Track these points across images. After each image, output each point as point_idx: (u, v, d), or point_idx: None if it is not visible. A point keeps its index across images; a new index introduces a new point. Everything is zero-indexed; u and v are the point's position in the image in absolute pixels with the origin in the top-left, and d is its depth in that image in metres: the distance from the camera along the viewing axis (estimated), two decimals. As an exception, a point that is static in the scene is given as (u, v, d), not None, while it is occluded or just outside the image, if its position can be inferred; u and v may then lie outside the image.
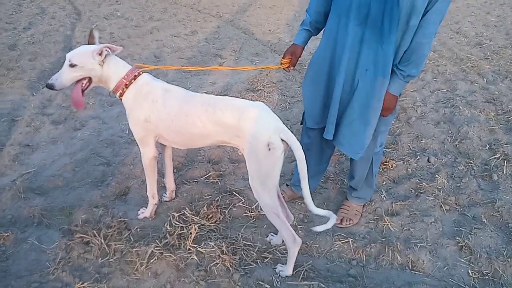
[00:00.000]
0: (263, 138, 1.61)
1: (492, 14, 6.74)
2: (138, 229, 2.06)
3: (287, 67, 2.01)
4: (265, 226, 2.12)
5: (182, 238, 1.96)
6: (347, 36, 1.71)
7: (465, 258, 1.94)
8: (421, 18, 1.62)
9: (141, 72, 1.87)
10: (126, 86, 1.83)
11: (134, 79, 1.84)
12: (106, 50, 1.77)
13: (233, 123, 1.69)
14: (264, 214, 2.15)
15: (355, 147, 1.91)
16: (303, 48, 1.99)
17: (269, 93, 3.81)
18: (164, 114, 1.81)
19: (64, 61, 1.76)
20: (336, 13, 1.76)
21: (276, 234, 2.04)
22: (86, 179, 2.45)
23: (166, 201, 2.29)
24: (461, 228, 2.12)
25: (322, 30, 1.96)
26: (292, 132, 1.67)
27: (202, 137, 1.81)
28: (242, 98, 3.70)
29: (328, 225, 1.65)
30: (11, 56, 4.52)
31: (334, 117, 1.88)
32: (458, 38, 5.43)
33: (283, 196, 2.18)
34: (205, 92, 3.72)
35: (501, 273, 1.86)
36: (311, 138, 2.10)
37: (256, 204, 2.25)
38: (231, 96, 3.66)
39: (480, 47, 5.03)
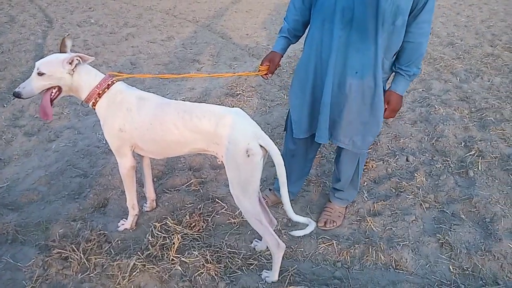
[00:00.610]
0: (242, 145, 1.59)
1: (461, 14, 6.98)
2: (119, 242, 2.00)
3: (265, 74, 2.01)
4: (249, 232, 2.11)
5: (165, 248, 1.92)
6: (333, 40, 1.72)
7: (446, 255, 1.98)
8: (415, 19, 1.67)
9: (115, 81, 1.83)
10: (99, 95, 1.79)
11: (108, 88, 1.79)
12: (77, 59, 1.72)
13: (210, 130, 1.67)
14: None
15: (360, 143, 1.93)
16: (282, 56, 2.00)
17: (249, 97, 3.81)
18: (139, 123, 1.77)
19: (33, 71, 1.73)
20: (318, 19, 1.77)
21: (261, 240, 2.02)
22: (63, 192, 2.37)
23: (147, 211, 2.24)
24: (441, 225, 2.16)
25: (303, 37, 1.97)
26: (273, 136, 1.67)
27: (179, 145, 1.78)
28: (221, 103, 3.71)
29: (307, 231, 1.65)
30: (-21, 66, 4.36)
31: (326, 122, 1.89)
32: (431, 38, 5.58)
33: (266, 201, 2.17)
34: (183, 98, 3.69)
35: (480, 267, 1.90)
36: (296, 144, 2.11)
37: (239, 210, 2.23)
38: (211, 102, 3.64)
39: (452, 47, 5.19)
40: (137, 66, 4.64)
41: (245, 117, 1.69)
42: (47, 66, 1.72)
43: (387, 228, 2.16)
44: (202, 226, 2.11)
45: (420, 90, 3.94)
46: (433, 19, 6.77)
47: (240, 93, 3.87)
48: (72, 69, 1.74)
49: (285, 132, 2.21)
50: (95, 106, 1.81)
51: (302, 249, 2.02)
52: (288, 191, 1.66)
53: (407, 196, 2.39)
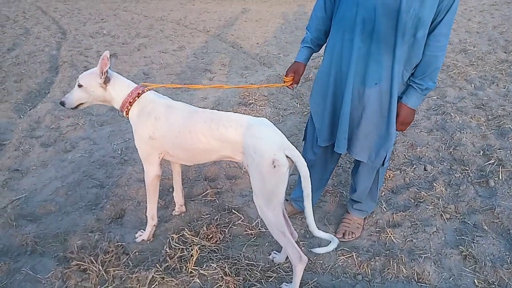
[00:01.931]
0: (268, 155, 1.57)
1: (473, 20, 6.92)
2: (137, 253, 1.99)
3: (290, 85, 2.02)
4: (266, 244, 2.08)
5: (183, 260, 1.90)
6: (353, 51, 1.72)
7: (470, 268, 1.93)
8: (432, 31, 1.64)
9: (145, 90, 1.88)
10: (130, 104, 1.85)
11: (138, 96, 1.85)
12: (105, 71, 1.80)
13: (236, 139, 1.67)
14: (265, 232, 2.12)
15: (374, 157, 1.92)
16: (305, 65, 2.01)
17: (261, 106, 3.81)
18: (168, 131, 1.79)
19: (75, 85, 1.89)
20: (339, 29, 1.77)
21: (279, 252, 2.00)
22: (80, 203, 2.37)
23: (176, 215, 2.29)
24: (463, 237, 2.11)
25: (324, 47, 1.97)
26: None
27: (207, 153, 1.79)
28: (234, 112, 3.71)
29: (330, 248, 1.61)
30: (-4, 78, 4.44)
31: (346, 133, 1.87)
32: (442, 45, 5.54)
33: (287, 211, 2.15)
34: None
35: (506, 281, 1.84)
36: (316, 155, 2.09)
37: (257, 221, 2.21)
38: (224, 111, 3.64)
39: (465, 54, 5.14)
40: (150, 76, 4.68)
41: (271, 127, 1.68)
42: (85, 79, 1.85)
43: (408, 239, 2.12)
44: (219, 238, 2.10)
45: (435, 97, 3.89)
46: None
47: (252, 102, 3.87)
48: (104, 83, 1.83)
49: (303, 142, 2.19)
50: (127, 114, 1.88)
51: (321, 262, 1.99)
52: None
53: (427, 207, 2.35)
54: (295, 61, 2.00)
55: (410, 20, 1.58)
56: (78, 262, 1.87)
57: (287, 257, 1.94)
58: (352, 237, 2.14)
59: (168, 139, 1.80)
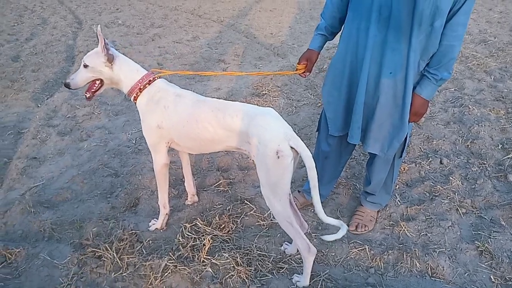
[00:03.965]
0: (272, 146, 1.56)
1: (494, 10, 6.71)
2: (150, 241, 2.02)
3: (303, 73, 2.00)
4: (278, 235, 2.08)
5: (195, 249, 1.92)
6: (368, 39, 1.68)
7: (486, 263, 1.89)
8: (449, 20, 1.59)
9: (156, 78, 1.86)
10: (140, 90, 1.84)
11: (149, 84, 1.84)
12: (105, 47, 1.80)
13: (242, 129, 1.67)
14: (277, 223, 2.12)
15: (386, 149, 1.89)
16: (319, 53, 1.98)
17: (275, 97, 3.78)
18: (176, 120, 1.80)
19: (80, 65, 1.87)
20: (355, 16, 1.73)
21: (291, 243, 2.00)
22: (95, 191, 2.41)
23: (188, 204, 2.30)
24: (479, 232, 2.07)
25: (338, 35, 1.93)
26: (300, 136, 1.64)
27: (214, 142, 1.79)
28: (247, 103, 3.70)
29: (339, 235, 1.60)
30: (15, 67, 4.52)
31: (359, 122, 1.85)
32: (462, 36, 5.39)
33: (295, 203, 2.14)
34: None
35: (524, 277, 1.81)
36: (330, 145, 2.07)
37: (269, 212, 2.21)
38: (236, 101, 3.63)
39: (485, 44, 4.99)
40: (164, 66, 4.70)
41: (277, 118, 1.67)
42: (89, 59, 1.83)
43: (422, 233, 2.09)
44: (232, 228, 2.11)
45: (452, 89, 3.80)
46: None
47: (266, 93, 3.85)
48: (109, 61, 1.81)
49: (317, 132, 2.17)
50: (136, 100, 1.87)
51: (334, 254, 1.98)
52: (319, 194, 1.62)
53: (442, 201, 2.31)
54: (308, 49, 1.97)
55: (428, 8, 1.54)
56: (94, 249, 1.91)
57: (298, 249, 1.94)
58: (365, 230, 2.13)
59: (176, 128, 1.81)
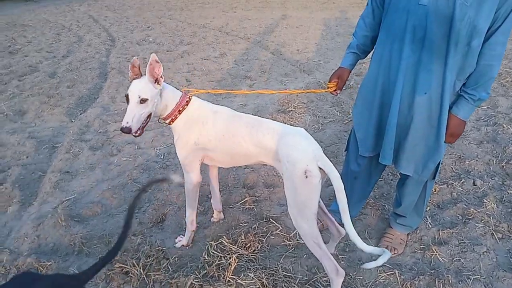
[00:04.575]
0: (300, 165, 1.57)
1: (529, 25, 6.47)
2: (176, 258, 2.04)
3: (334, 91, 2.00)
4: (305, 256, 2.05)
5: (221, 268, 1.92)
6: (401, 60, 1.66)
7: (525, 293, 1.79)
8: (488, 39, 1.55)
9: (191, 97, 1.90)
10: (179, 112, 1.84)
11: (187, 104, 1.86)
12: (160, 76, 1.72)
13: (272, 147, 1.70)
14: (303, 243, 2.09)
15: (421, 170, 1.85)
16: (350, 71, 1.98)
17: (301, 114, 3.78)
18: (213, 135, 1.83)
19: (128, 100, 1.68)
20: (388, 37, 1.72)
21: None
22: (124, 206, 2.47)
23: (214, 222, 2.31)
24: (517, 259, 1.96)
25: (370, 54, 1.93)
26: (327, 154, 1.62)
27: (246, 157, 1.84)
28: (273, 120, 3.71)
29: (380, 262, 1.54)
30: (51, 83, 4.75)
31: (392, 143, 1.82)
32: (495, 51, 5.22)
33: (321, 224, 2.11)
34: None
35: None
36: (360, 166, 2.04)
37: (295, 232, 2.19)
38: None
39: (520, 60, 4.81)
40: (192, 82, 4.81)
41: (307, 138, 1.68)
42: (146, 91, 1.68)
43: (455, 259, 2.00)
44: (257, 247, 2.09)
45: (485, 107, 3.67)
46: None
47: (292, 110, 3.85)
48: (160, 88, 1.74)
49: (346, 152, 2.15)
50: (172, 122, 1.86)
51: (362, 278, 1.92)
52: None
53: (476, 224, 2.21)
54: (339, 67, 1.97)
55: (465, 28, 1.50)
56: (121, 265, 1.94)
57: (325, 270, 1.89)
58: (395, 253, 2.06)
59: (213, 143, 1.84)
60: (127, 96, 1.70)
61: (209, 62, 5.61)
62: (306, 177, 1.56)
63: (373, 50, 1.89)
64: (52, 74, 5.15)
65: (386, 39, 1.73)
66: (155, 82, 1.72)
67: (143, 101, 1.67)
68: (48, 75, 5.08)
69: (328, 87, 2.00)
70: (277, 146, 1.67)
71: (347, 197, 1.55)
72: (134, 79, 1.73)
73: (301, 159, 1.58)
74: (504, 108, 3.62)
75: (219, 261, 1.95)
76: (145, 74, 1.71)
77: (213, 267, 1.91)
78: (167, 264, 1.98)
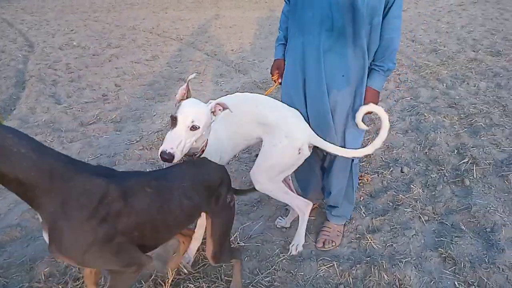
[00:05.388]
0: (297, 143, 1.79)
1: (442, 21, 7.10)
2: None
3: (277, 80, 2.06)
4: (246, 258, 2.01)
5: (158, 283, 1.82)
6: (314, 50, 1.76)
7: (449, 270, 1.92)
8: (385, 16, 1.72)
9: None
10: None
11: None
12: (219, 109, 1.56)
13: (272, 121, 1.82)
14: (245, 246, 2.07)
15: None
16: (285, 60, 2.03)
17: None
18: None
19: (176, 123, 1.45)
20: (298, 30, 1.81)
21: (281, 217, 2.28)
22: (48, 226, 2.24)
23: None
24: (442, 238, 2.11)
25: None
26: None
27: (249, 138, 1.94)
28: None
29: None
30: (-42, 96, 4.22)
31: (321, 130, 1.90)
32: (414, 46, 5.65)
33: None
34: (168, 121, 3.62)
35: (485, 280, 1.84)
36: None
37: (235, 235, 2.14)
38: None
39: (436, 53, 5.24)
40: (122, 87, 4.56)
41: (302, 118, 1.87)
42: (202, 119, 1.47)
43: (388, 244, 2.10)
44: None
45: (408, 98, 3.94)
46: (415, 27, 6.81)
47: (228, 111, 3.81)
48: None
49: None
50: (203, 151, 1.67)
51: (303, 273, 1.94)
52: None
53: (405, 210, 2.34)
54: (275, 60, 2.05)
55: (365, 9, 1.65)
56: (46, 292, 1.76)
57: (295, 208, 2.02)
58: (333, 246, 2.11)
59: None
60: (174, 118, 1.45)
61: (140, 65, 5.37)
62: (299, 153, 1.81)
63: (286, 45, 1.98)
64: (-41, 85, 4.58)
65: (297, 31, 1.82)
66: (211, 112, 1.54)
67: (194, 128, 1.45)
68: (-46, 86, 4.51)
69: (274, 81, 2.06)
70: (276, 120, 1.79)
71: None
72: (182, 100, 1.53)
73: (299, 138, 1.80)
74: (425, 98, 3.91)
75: (155, 275, 1.84)
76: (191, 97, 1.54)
77: (149, 282, 1.80)
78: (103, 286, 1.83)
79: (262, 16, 8.58)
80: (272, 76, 2.06)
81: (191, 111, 1.46)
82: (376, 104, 1.87)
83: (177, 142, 1.41)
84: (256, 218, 2.35)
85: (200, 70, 5.16)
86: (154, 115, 3.80)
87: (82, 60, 5.59)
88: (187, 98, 1.54)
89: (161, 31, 7.44)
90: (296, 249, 2.00)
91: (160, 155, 1.41)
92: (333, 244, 2.11)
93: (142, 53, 5.98)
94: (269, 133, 1.81)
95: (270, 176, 1.83)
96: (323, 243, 2.11)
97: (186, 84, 1.55)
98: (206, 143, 1.66)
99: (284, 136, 1.77)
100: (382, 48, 1.78)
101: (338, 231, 2.17)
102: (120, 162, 2.94)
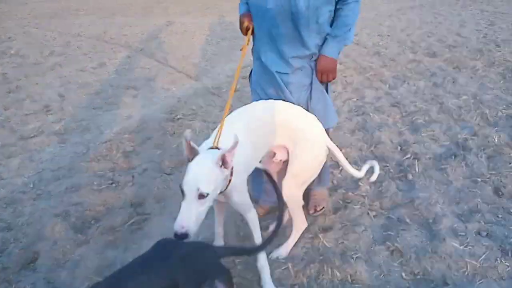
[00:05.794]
0: (319, 145, 1.90)
1: (383, 25, 7.49)
2: (54, 300, 1.78)
3: (250, 23, 2.00)
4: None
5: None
6: (269, 55, 1.95)
7: (397, 262, 2.01)
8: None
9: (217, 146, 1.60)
10: (232, 174, 1.52)
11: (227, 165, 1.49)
12: (230, 159, 1.40)
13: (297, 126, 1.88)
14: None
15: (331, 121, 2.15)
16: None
17: (190, 121, 3.71)
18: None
19: (184, 195, 1.35)
20: (257, 35, 1.98)
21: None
22: (-17, 252, 2.07)
23: None
24: (389, 232, 2.20)
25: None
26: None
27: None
28: (162, 129, 3.56)
29: (376, 170, 2.09)
30: None
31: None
32: (359, 49, 5.90)
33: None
34: (120, 129, 3.50)
35: (429, 270, 1.95)
36: None
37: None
38: (150, 129, 3.48)
39: (379, 56, 5.52)
40: (66, 97, 4.34)
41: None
42: (212, 182, 1.36)
43: (339, 242, 2.16)
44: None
45: (355, 99, 4.10)
46: (359, 31, 7.10)
47: (181, 118, 3.77)
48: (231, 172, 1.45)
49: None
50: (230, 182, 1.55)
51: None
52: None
53: (355, 206, 2.43)
54: (240, 15, 2.04)
55: (311, 13, 1.79)
56: (-19, 323, 1.62)
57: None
58: (323, 209, 2.35)
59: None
60: (181, 190, 1.35)
61: (86, 73, 5.14)
62: (325, 155, 1.91)
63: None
64: None
65: (256, 37, 2.01)
66: (221, 166, 1.39)
67: (202, 196, 1.33)
68: None
69: (247, 27, 1.98)
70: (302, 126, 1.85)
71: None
72: (189, 156, 1.42)
73: (320, 140, 1.89)
74: (370, 99, 4.09)
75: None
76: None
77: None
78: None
79: (213, 21, 8.56)
80: (244, 33, 2.01)
81: (195, 178, 1.34)
82: (331, 72, 1.96)
83: (187, 218, 1.32)
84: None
85: (150, 77, 5.04)
86: (102, 125, 3.64)
87: (21, 69, 5.25)
88: (193, 156, 1.42)
89: (108, 38, 7.18)
90: (276, 256, 2.04)
91: (174, 236, 1.32)
92: (323, 207, 2.35)
93: (88, 60, 5.73)
94: (295, 139, 1.83)
95: (302, 181, 1.90)
96: (315, 208, 2.31)
97: (185, 143, 1.41)
98: (232, 172, 1.50)
99: (306, 138, 1.83)
100: (337, 24, 1.88)
101: (323, 195, 2.37)
102: (65, 176, 2.78)
